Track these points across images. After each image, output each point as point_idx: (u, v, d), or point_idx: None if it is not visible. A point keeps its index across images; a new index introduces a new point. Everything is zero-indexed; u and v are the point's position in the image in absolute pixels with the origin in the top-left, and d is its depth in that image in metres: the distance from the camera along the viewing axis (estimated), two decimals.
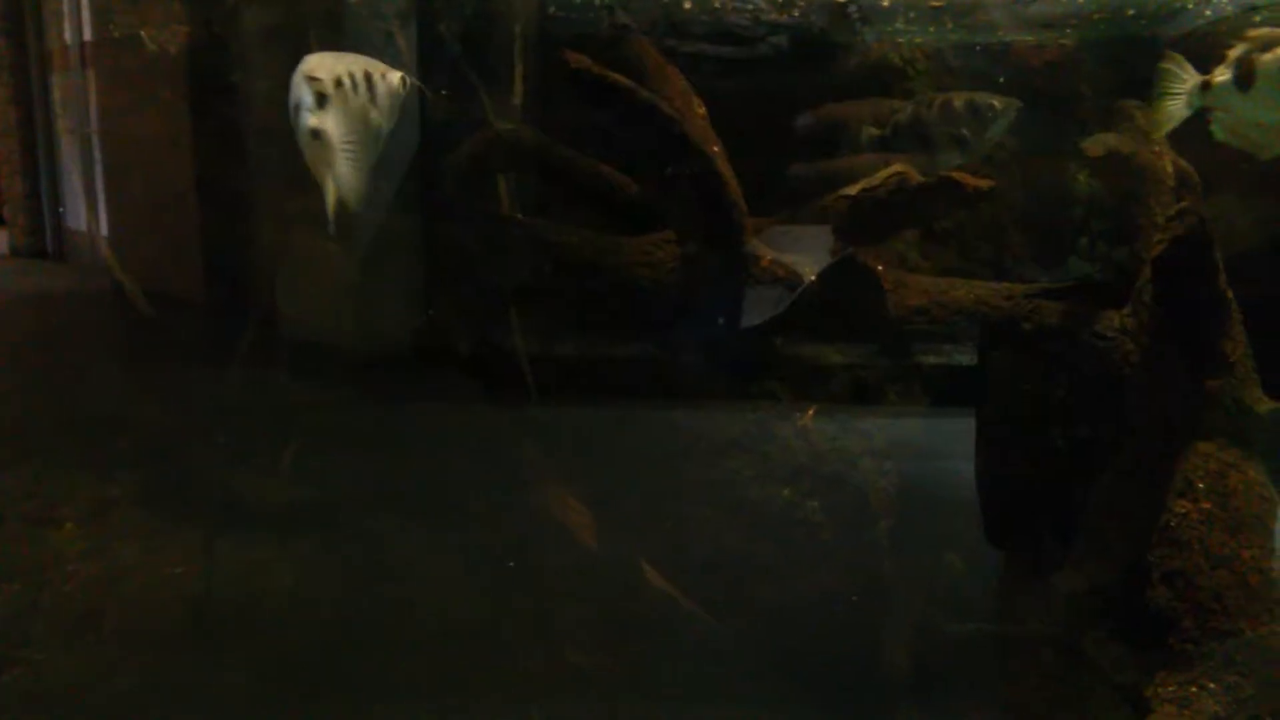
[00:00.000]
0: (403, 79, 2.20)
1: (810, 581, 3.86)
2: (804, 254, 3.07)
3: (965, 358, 3.67)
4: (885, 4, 3.55)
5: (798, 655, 3.83)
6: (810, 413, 3.98)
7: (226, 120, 3.73)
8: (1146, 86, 3.80)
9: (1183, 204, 2.57)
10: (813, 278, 3.15)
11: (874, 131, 3.66)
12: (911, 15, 3.79)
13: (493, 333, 3.51)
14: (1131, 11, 3.61)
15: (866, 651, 3.88)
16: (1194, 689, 2.46)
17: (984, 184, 2.86)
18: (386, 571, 3.38)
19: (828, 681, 3.77)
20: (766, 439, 4.11)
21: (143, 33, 3.75)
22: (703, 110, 3.27)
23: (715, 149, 3.15)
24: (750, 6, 3.69)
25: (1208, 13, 3.38)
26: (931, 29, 3.95)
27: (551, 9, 3.44)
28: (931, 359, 3.84)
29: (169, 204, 5.62)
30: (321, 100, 1.97)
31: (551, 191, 3.43)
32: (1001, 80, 4.04)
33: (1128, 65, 3.88)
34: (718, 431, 4.05)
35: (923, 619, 3.92)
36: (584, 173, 3.25)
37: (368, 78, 2.09)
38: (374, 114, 2.09)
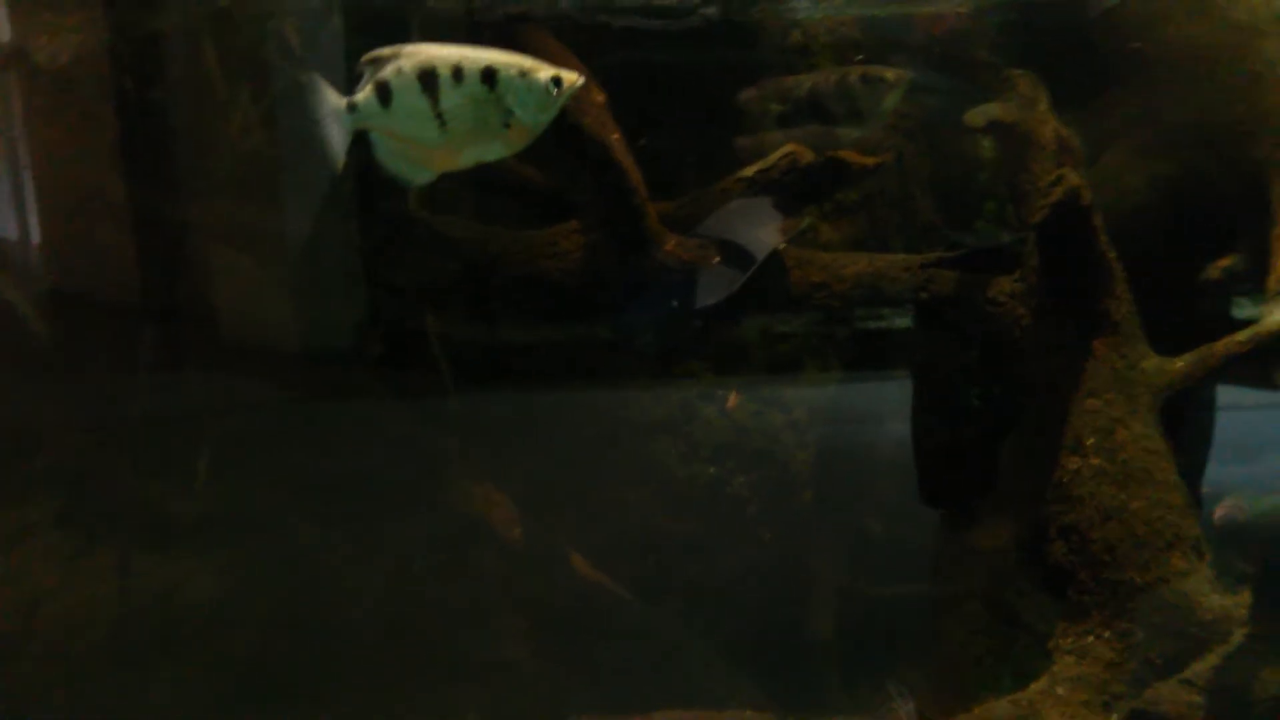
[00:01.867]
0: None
1: (738, 556, 3.93)
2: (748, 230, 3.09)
3: (873, 323, 3.74)
4: None
5: (728, 630, 3.91)
6: (734, 395, 4.03)
7: (157, 123, 3.66)
8: (1050, 54, 3.88)
9: (1060, 170, 2.65)
10: (719, 259, 3.19)
11: (775, 108, 3.69)
12: None
13: (406, 328, 3.50)
14: None
15: (796, 621, 3.98)
16: (1090, 638, 2.56)
17: (870, 161, 2.92)
18: (310, 576, 3.37)
19: (759, 653, 3.86)
20: (690, 419, 4.15)
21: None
22: (601, 97, 3.27)
23: (614, 137, 3.16)
24: None
25: None
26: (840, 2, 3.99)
27: None
28: (842, 328, 3.91)
29: (100, 207, 5.47)
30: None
31: (462, 187, 3.42)
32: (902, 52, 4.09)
33: (1030, 33, 3.95)
34: (642, 414, 4.08)
35: (850, 584, 4.03)
36: (490, 168, 3.25)
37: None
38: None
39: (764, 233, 3.16)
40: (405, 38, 3.63)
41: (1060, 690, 2.52)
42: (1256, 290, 3.09)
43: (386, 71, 2.14)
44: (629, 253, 3.06)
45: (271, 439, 3.48)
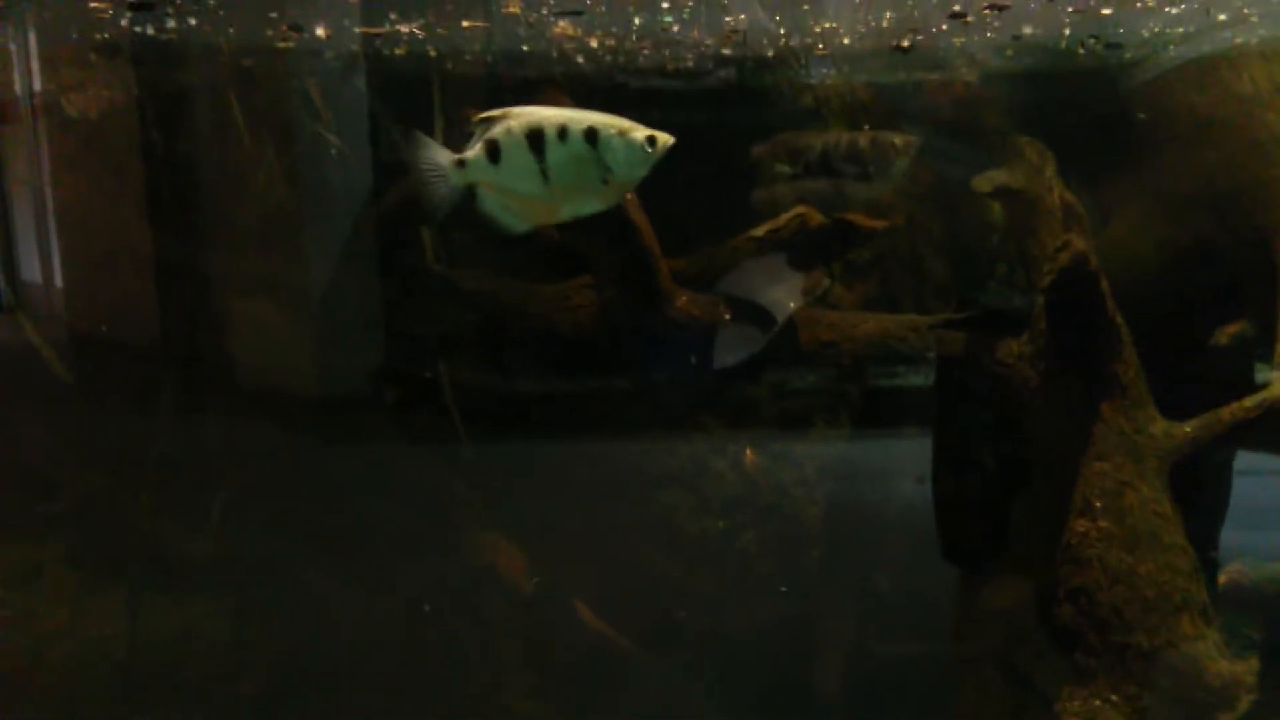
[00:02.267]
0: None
1: (747, 611, 3.92)
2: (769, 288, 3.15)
3: (884, 381, 3.77)
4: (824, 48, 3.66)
5: (736, 686, 3.88)
6: (749, 452, 4.06)
7: (182, 176, 3.77)
8: (1052, 119, 3.95)
9: (1067, 236, 2.69)
10: (730, 317, 3.24)
11: (785, 169, 3.77)
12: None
13: (423, 376, 3.56)
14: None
15: (805, 679, 3.95)
16: (1097, 702, 2.55)
17: (878, 224, 2.98)
18: (319, 621, 3.39)
19: (766, 709, 3.83)
20: (700, 472, 4.17)
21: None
22: None
23: (630, 196, 3.24)
24: (688, 40, 3.79)
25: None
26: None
27: (472, 56, 3.51)
28: (852, 386, 3.94)
29: (121, 255, 5.58)
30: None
31: (479, 241, 3.50)
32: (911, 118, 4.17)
33: (1038, 100, 4.04)
34: (652, 466, 4.10)
35: (859, 641, 4.00)
36: None
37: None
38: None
39: (781, 292, 3.21)
40: (427, 97, 3.76)
41: None
42: (1265, 356, 3.12)
43: (496, 131, 2.31)
44: (641, 308, 3.11)
45: (286, 484, 3.52)
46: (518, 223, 2.42)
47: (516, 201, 2.36)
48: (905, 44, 3.21)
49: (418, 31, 2.98)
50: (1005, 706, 3.25)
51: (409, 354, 3.44)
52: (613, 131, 2.32)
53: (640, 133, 2.34)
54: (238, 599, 3.38)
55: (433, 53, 3.31)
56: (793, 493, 4.17)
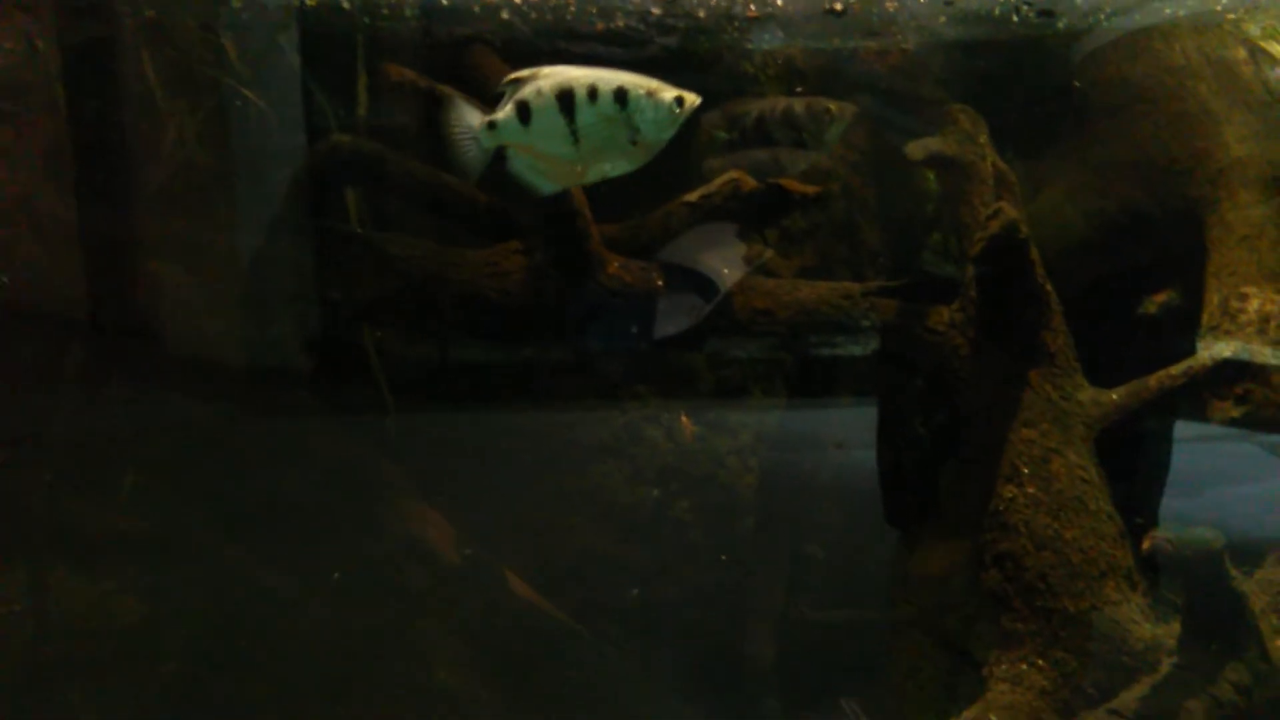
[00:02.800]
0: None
1: (680, 581, 3.90)
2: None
3: (822, 350, 3.76)
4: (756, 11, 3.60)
5: (669, 655, 3.87)
6: (687, 423, 4.02)
7: (92, 133, 3.58)
8: (993, 87, 3.94)
9: (998, 204, 2.68)
10: (664, 284, 3.18)
11: (722, 135, 3.71)
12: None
13: (345, 345, 3.45)
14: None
15: (738, 646, 3.95)
16: (1024, 665, 2.57)
17: (811, 190, 2.94)
18: (239, 599, 3.28)
19: (701, 678, 3.83)
20: (635, 441, 4.13)
21: None
22: None
23: None
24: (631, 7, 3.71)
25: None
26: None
27: (406, 13, 3.38)
28: (788, 355, 3.92)
29: (48, 211, 5.32)
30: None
31: (404, 205, 3.38)
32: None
33: (974, 69, 4.02)
34: (586, 436, 4.05)
35: (793, 609, 4.02)
36: (430, 185, 3.21)
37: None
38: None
39: (718, 259, 3.16)
40: (353, 58, 3.62)
41: (993, 717, 2.52)
42: (1193, 324, 3.16)
43: (526, 92, 2.28)
44: (572, 275, 3.04)
45: (204, 457, 3.39)
46: (547, 184, 2.42)
47: (546, 163, 2.35)
48: (839, 7, 3.17)
49: None
50: (938, 670, 3.29)
51: (334, 322, 3.33)
52: (642, 92, 2.28)
53: (669, 93, 2.31)
54: (153, 576, 3.26)
55: (346, 4, 3.17)
56: (728, 462, 4.15)
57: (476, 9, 3.15)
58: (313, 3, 3.17)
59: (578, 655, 3.66)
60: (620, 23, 3.37)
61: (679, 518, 4.01)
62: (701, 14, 3.27)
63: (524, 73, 2.30)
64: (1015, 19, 3.39)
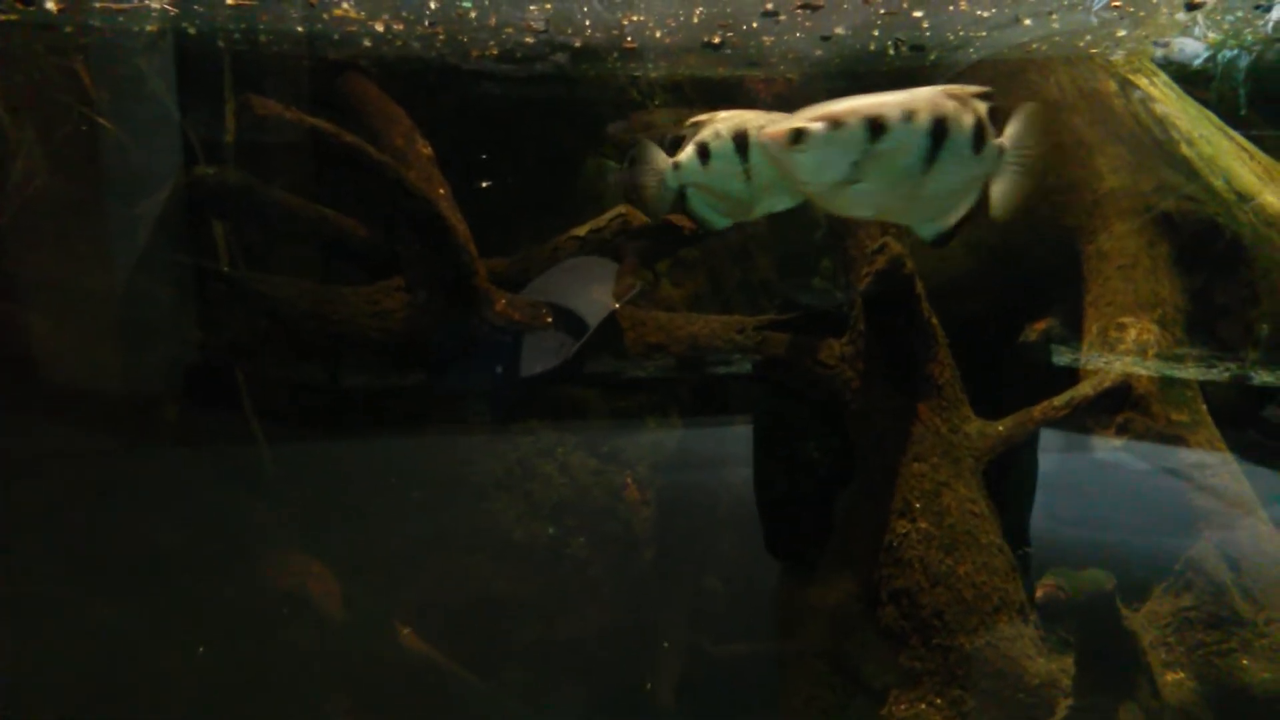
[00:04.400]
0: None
1: (577, 619, 3.80)
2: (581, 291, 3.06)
3: (719, 369, 3.73)
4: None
5: (570, 695, 3.76)
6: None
7: None
8: None
9: (884, 239, 2.68)
10: (550, 320, 3.10)
11: (611, 165, 3.65)
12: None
13: (218, 385, 3.25)
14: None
15: (636, 684, 3.87)
16: (923, 705, 2.55)
17: (690, 225, 2.92)
18: (105, 659, 3.05)
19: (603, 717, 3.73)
20: (529, 476, 4.02)
21: None
22: (428, 150, 3.15)
23: (441, 191, 3.04)
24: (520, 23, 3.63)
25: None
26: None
27: (263, 39, 3.21)
28: (681, 384, 3.88)
29: None
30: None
31: (275, 240, 3.21)
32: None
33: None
34: (478, 472, 3.92)
35: (691, 643, 3.95)
36: (305, 218, 3.06)
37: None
38: None
39: (599, 292, 3.09)
40: (219, 79, 3.43)
41: None
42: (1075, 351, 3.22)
43: (705, 134, 2.41)
44: (457, 312, 2.92)
45: (65, 501, 3.15)
46: (720, 219, 2.52)
47: (721, 199, 2.45)
48: (716, 40, 3.16)
49: (169, 7, 2.67)
50: (834, 699, 3.26)
51: (203, 361, 3.13)
52: None
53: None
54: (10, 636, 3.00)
55: (192, 31, 3.00)
56: (624, 496, 4.08)
57: (336, 37, 3.02)
58: (192, 30, 2.99)
59: (471, 705, 3.52)
60: (495, 50, 3.28)
61: (576, 554, 3.91)
62: (578, 43, 3.21)
63: (703, 117, 2.43)
64: (891, 53, 3.43)
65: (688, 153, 2.41)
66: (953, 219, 2.13)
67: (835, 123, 1.95)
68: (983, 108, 2.06)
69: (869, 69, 3.89)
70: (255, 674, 3.17)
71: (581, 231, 3.00)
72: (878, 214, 2.28)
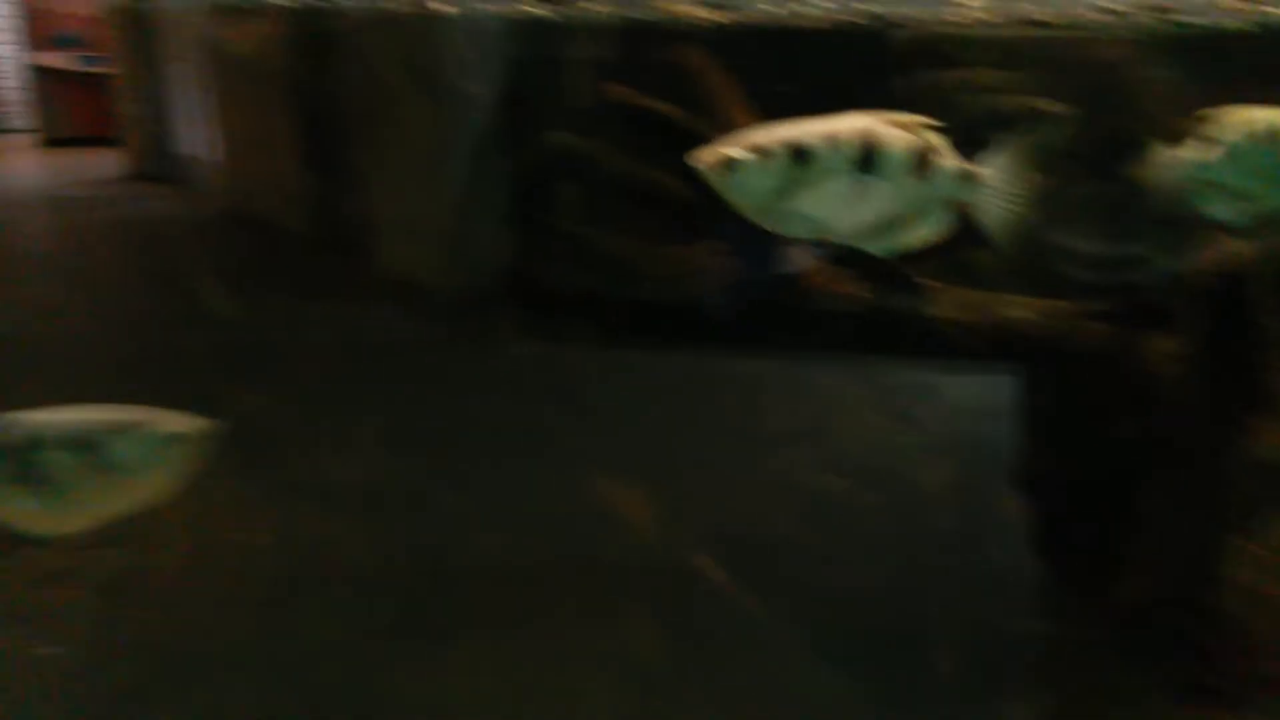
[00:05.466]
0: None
1: (861, 574, 3.87)
2: None
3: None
4: None
5: (847, 652, 3.85)
6: None
7: (325, 55, 3.95)
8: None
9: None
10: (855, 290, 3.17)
11: None
12: None
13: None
14: None
15: (915, 647, 3.89)
16: None
17: None
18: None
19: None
20: (825, 430, 4.12)
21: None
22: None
23: None
24: None
25: None
26: None
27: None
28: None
29: (275, 135, 5.89)
30: None
31: (613, 200, 3.52)
32: None
33: None
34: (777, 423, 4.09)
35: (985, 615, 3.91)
36: (641, 181, 3.33)
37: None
38: None
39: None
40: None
41: None
42: None
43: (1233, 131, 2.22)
44: (772, 282, 3.07)
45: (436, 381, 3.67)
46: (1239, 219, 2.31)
47: (1240, 200, 2.26)
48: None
49: None
50: (1122, 703, 3.17)
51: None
52: None
53: None
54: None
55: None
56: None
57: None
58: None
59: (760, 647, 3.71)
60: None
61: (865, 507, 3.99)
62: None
63: (1213, 110, 2.26)
64: None
65: (1218, 150, 2.21)
66: (909, 239, 1.94)
67: (761, 151, 1.91)
68: (929, 134, 1.87)
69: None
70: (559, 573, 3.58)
71: None
72: (815, 234, 2.14)
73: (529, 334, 3.74)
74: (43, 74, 14.19)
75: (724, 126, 3.19)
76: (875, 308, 3.07)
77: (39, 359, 4.47)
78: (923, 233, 1.94)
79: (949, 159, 1.86)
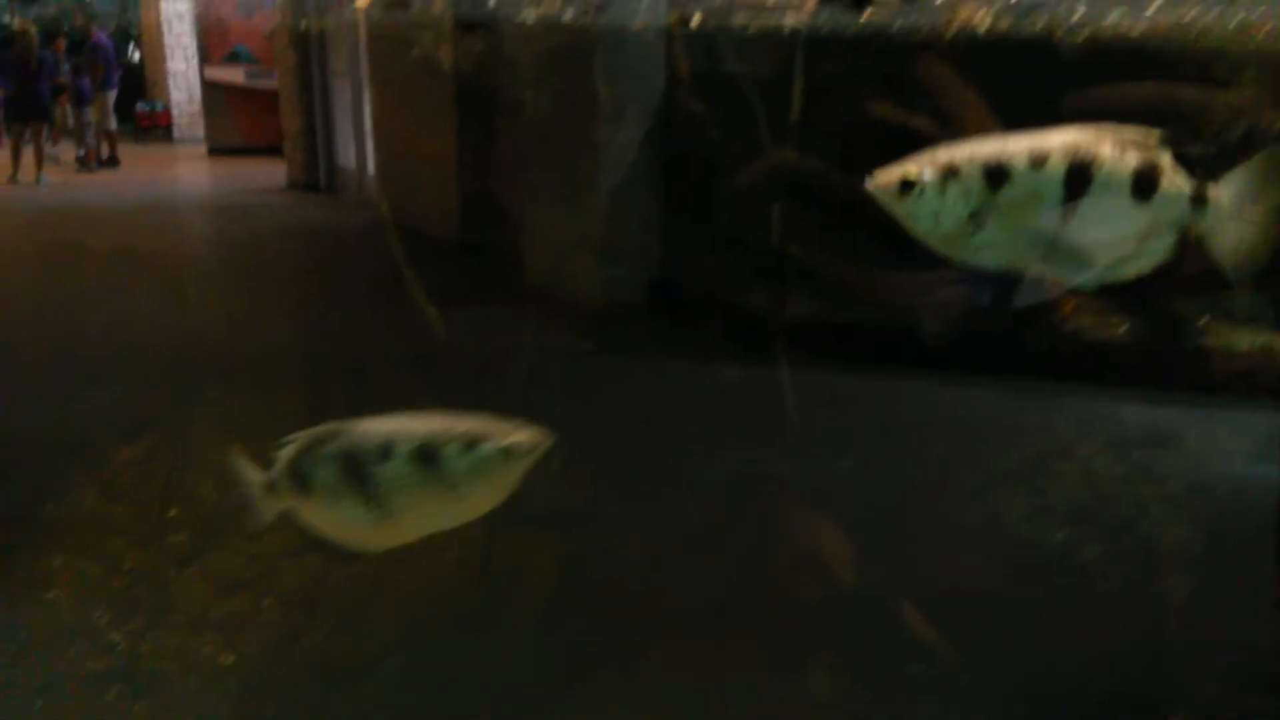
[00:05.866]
0: None
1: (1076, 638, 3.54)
2: None
3: None
4: None
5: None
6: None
7: (484, 76, 3.94)
8: None
9: None
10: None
11: None
12: None
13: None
14: None
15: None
16: None
17: None
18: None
19: None
20: (1042, 472, 3.82)
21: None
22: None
23: None
24: None
25: None
26: None
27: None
28: None
29: (430, 149, 6.00)
30: None
31: (830, 218, 3.32)
32: None
33: None
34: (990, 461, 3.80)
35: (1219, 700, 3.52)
36: (866, 200, 3.11)
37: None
38: None
39: None
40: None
41: None
42: None
43: None
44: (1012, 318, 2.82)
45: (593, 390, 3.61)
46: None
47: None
48: None
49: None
50: None
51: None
52: None
53: None
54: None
55: None
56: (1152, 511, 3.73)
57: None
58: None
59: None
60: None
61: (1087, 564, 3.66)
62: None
63: None
64: None
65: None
66: (1126, 271, 1.67)
67: (948, 171, 1.57)
68: (1159, 153, 1.58)
69: None
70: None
71: None
72: (1010, 264, 1.76)
73: (732, 357, 3.60)
74: (211, 88, 14.96)
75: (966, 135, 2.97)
76: (1139, 344, 2.76)
77: (247, 369, 4.57)
78: (1142, 263, 1.69)
79: (1177, 178, 1.60)
